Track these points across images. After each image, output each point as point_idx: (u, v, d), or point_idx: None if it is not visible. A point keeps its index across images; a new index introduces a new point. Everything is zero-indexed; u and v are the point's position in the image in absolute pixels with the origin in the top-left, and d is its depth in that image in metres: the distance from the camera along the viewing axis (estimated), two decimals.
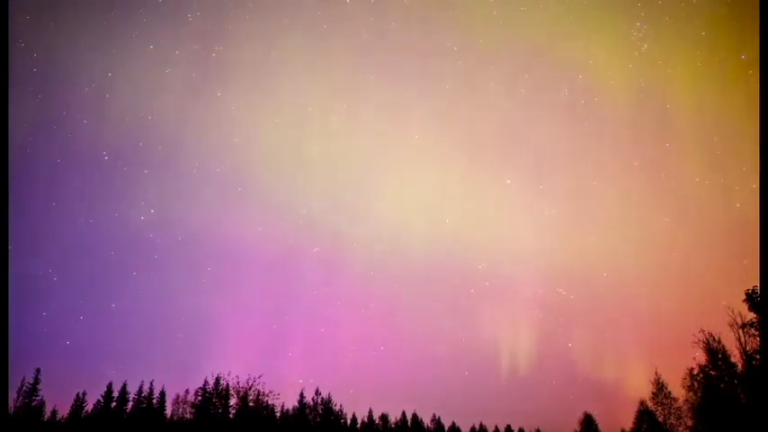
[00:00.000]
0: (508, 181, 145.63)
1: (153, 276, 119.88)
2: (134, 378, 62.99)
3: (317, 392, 67.17)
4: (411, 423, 78.79)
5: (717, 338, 37.93)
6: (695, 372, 39.74)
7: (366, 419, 76.27)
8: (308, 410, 65.70)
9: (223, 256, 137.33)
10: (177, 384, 78.83)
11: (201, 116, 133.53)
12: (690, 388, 40.36)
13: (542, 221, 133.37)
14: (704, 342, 38.39)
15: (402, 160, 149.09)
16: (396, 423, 78.05)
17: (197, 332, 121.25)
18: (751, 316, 33.95)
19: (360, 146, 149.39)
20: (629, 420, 54.47)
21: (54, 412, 58.00)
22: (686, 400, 42.01)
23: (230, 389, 53.23)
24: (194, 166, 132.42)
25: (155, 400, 59.47)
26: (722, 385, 37.10)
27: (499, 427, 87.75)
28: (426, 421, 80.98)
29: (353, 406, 74.96)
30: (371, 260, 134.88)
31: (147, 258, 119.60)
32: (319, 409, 66.54)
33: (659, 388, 47.89)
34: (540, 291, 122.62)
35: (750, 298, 33.69)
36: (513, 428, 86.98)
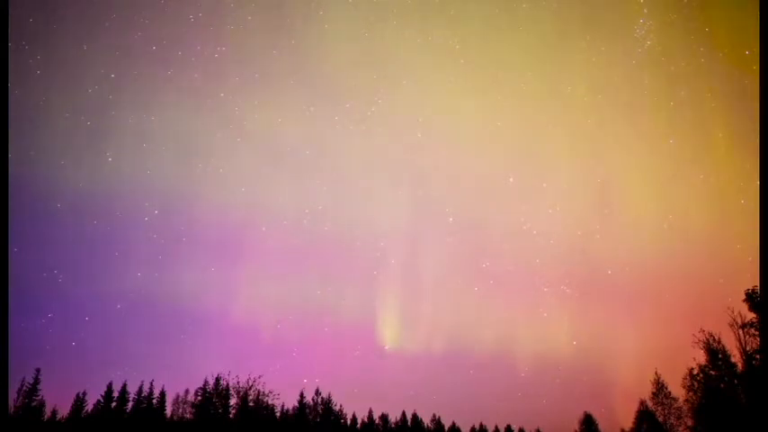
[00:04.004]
0: (511, 179, 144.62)
1: (157, 277, 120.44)
2: (138, 378, 63.16)
3: (317, 392, 67.28)
4: (411, 423, 78.67)
5: (717, 338, 37.69)
6: (695, 372, 39.43)
7: (366, 419, 76.22)
8: (308, 410, 65.70)
9: (226, 256, 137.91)
10: (177, 384, 79.12)
11: (204, 117, 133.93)
12: (690, 388, 40.04)
13: (546, 220, 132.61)
14: (704, 342, 38.14)
15: (404, 159, 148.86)
16: (396, 423, 77.95)
17: (199, 332, 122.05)
18: (751, 316, 33.77)
19: (362, 145, 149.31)
20: (629, 420, 54.28)
21: (54, 412, 58.20)
22: (686, 400, 41.73)
23: (230, 389, 53.35)
24: (197, 167, 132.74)
25: (155, 400, 59.58)
26: (722, 385, 36.83)
27: (499, 427, 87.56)
28: (426, 421, 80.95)
29: (355, 405, 75.13)
30: (374, 259, 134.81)
31: (151, 259, 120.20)
32: (319, 408, 66.55)
33: (659, 388, 47.59)
34: (546, 289, 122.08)
35: (750, 298, 33.50)
36: (513, 428, 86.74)
